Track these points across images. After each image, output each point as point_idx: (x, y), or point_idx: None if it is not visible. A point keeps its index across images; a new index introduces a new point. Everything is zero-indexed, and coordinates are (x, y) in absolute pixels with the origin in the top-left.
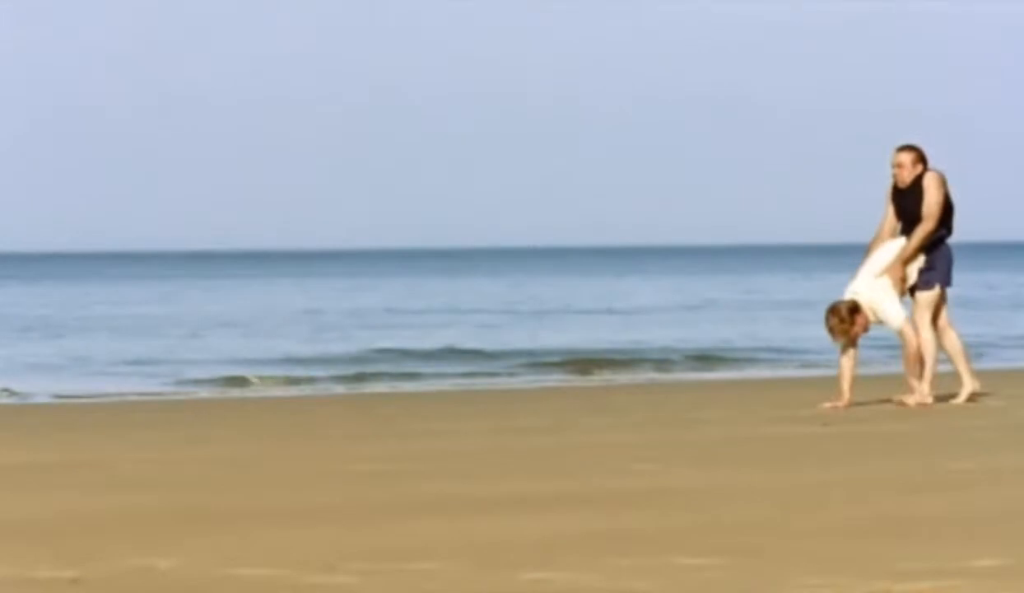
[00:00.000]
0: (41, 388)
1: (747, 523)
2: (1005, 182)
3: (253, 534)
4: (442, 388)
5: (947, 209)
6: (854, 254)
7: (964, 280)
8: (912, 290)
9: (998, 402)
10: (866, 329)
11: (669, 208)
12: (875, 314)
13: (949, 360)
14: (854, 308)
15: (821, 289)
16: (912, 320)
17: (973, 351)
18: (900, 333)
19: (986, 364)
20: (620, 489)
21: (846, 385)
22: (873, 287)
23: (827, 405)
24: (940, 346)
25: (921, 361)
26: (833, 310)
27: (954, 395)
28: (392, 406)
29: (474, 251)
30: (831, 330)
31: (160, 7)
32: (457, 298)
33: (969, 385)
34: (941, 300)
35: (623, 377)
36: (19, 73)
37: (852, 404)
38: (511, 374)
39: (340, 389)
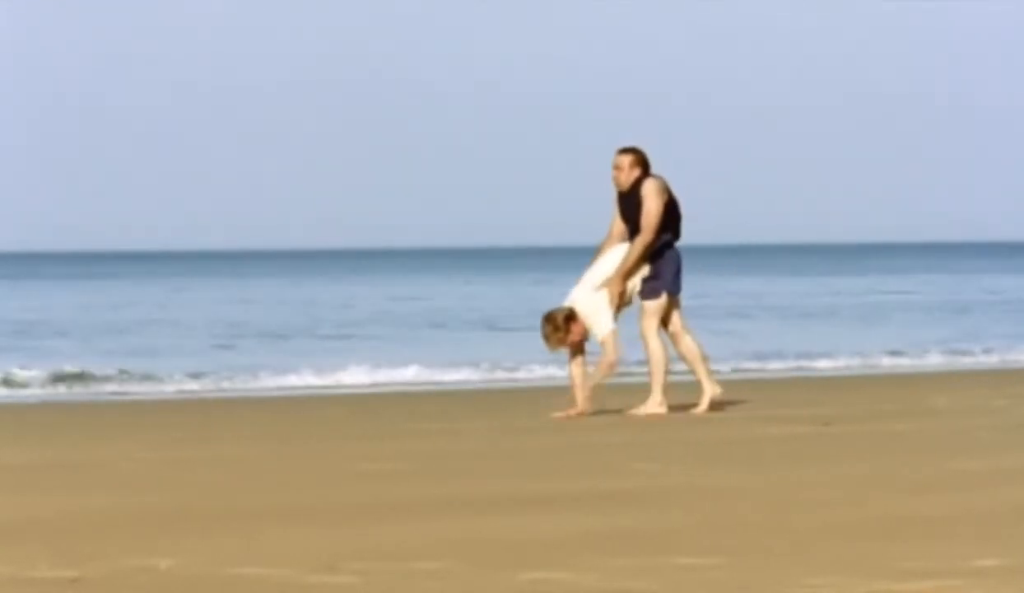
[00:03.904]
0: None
1: (747, 523)
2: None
3: (253, 534)
4: (442, 388)
5: (673, 214)
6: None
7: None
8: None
9: (999, 402)
10: (584, 338)
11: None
12: (590, 325)
13: (687, 366)
14: (570, 316)
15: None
16: (640, 329)
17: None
18: (601, 343)
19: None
20: (620, 489)
21: (580, 394)
22: (590, 298)
23: (559, 415)
24: (676, 352)
25: (578, 374)
26: (548, 318)
27: (694, 404)
28: (392, 406)
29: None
30: (546, 338)
31: (157, 7)
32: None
33: (709, 390)
34: (672, 306)
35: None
36: (18, 72)
37: (587, 413)
38: None
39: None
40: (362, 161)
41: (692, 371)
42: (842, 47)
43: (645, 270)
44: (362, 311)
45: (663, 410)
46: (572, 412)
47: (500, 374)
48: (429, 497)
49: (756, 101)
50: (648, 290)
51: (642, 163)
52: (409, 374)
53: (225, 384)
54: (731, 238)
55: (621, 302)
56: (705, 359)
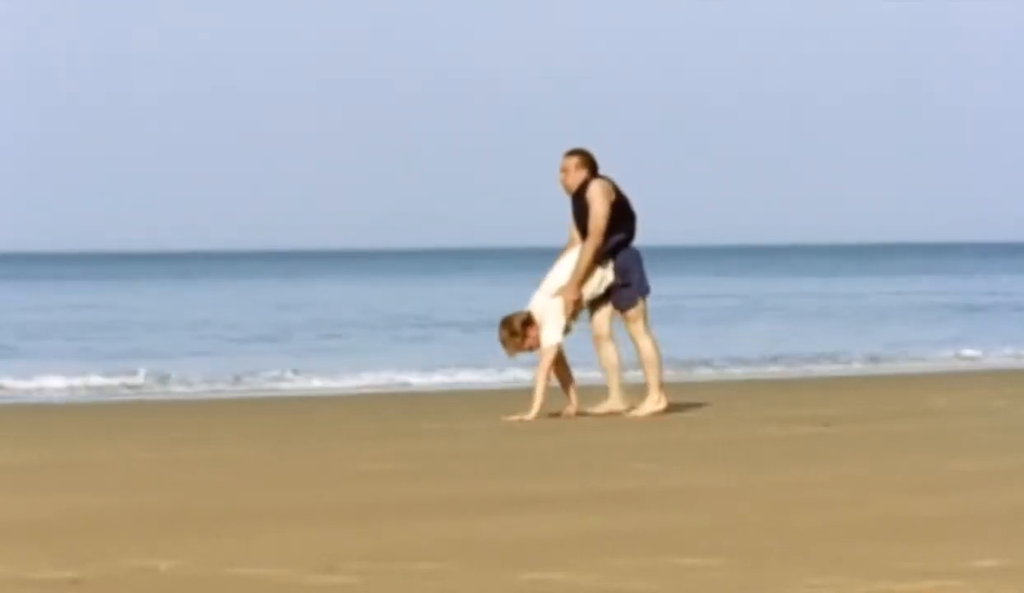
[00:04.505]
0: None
1: (747, 523)
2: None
3: (253, 534)
4: (442, 388)
5: (625, 214)
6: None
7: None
8: (593, 306)
9: (999, 402)
10: (540, 344)
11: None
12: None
13: (601, 371)
14: (528, 321)
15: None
16: (629, 335)
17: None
18: (541, 353)
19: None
20: (620, 489)
21: (571, 393)
22: (546, 305)
23: (513, 418)
24: (596, 355)
25: (562, 375)
26: (505, 322)
27: (687, 405)
28: (392, 406)
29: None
30: (503, 343)
31: (157, 7)
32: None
33: (614, 403)
34: (610, 312)
35: None
36: (17, 72)
37: (581, 413)
38: None
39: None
40: (363, 161)
41: (606, 378)
42: (841, 47)
43: (608, 276)
44: (362, 311)
45: (662, 406)
46: (568, 411)
47: (499, 374)
48: (429, 497)
49: (756, 101)
50: (624, 299)
51: (589, 164)
52: (408, 375)
53: (225, 384)
54: (731, 238)
55: (577, 309)
56: (621, 372)
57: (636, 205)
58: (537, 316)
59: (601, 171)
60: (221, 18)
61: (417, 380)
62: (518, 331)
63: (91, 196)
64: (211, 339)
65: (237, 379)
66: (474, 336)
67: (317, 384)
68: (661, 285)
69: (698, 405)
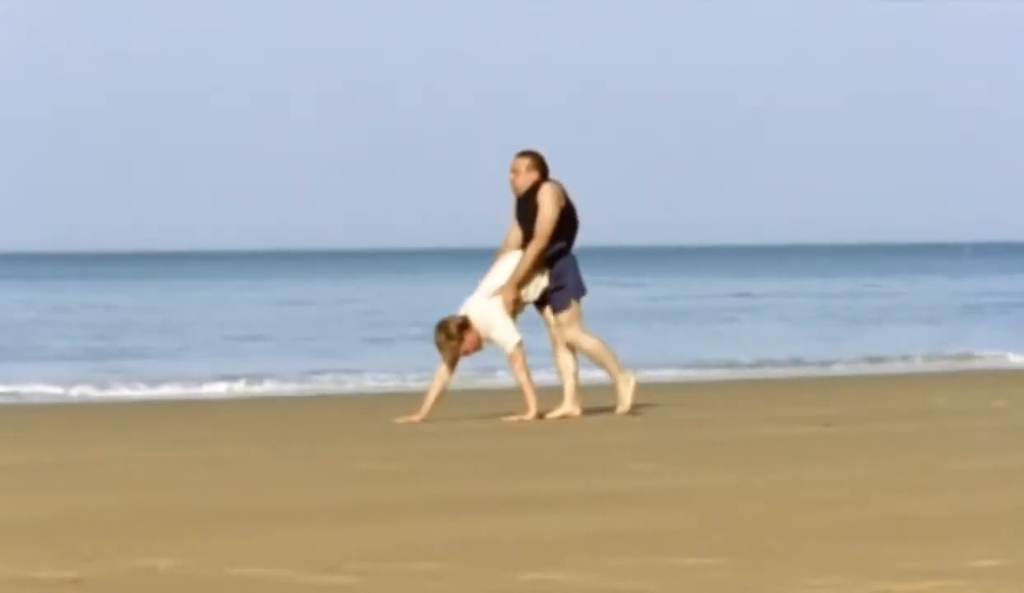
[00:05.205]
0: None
1: (747, 523)
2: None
3: (253, 534)
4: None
5: (568, 221)
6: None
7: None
8: (539, 304)
9: (999, 402)
10: (478, 347)
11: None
12: (487, 334)
13: (558, 375)
14: (464, 325)
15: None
16: (568, 340)
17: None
18: (510, 357)
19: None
20: (619, 489)
21: (431, 397)
22: (485, 307)
23: (400, 420)
24: (553, 359)
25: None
26: (441, 326)
27: (650, 404)
28: (392, 406)
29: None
30: (438, 346)
31: (156, 7)
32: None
33: (568, 409)
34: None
35: None
36: (18, 73)
37: (428, 419)
38: None
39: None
40: (363, 161)
41: (561, 382)
42: (842, 47)
43: (543, 280)
44: (362, 311)
45: (632, 384)
46: (414, 418)
47: (499, 375)
48: (429, 497)
49: (755, 101)
50: (557, 301)
51: (540, 167)
52: (408, 375)
53: (224, 384)
54: (729, 239)
55: (516, 309)
56: (577, 377)
57: (635, 205)
58: (478, 321)
59: (551, 175)
60: (221, 18)
61: (416, 381)
62: (454, 335)
63: (91, 196)
64: (211, 339)
65: (237, 379)
66: None
67: (317, 384)
68: (662, 285)
69: (698, 405)
